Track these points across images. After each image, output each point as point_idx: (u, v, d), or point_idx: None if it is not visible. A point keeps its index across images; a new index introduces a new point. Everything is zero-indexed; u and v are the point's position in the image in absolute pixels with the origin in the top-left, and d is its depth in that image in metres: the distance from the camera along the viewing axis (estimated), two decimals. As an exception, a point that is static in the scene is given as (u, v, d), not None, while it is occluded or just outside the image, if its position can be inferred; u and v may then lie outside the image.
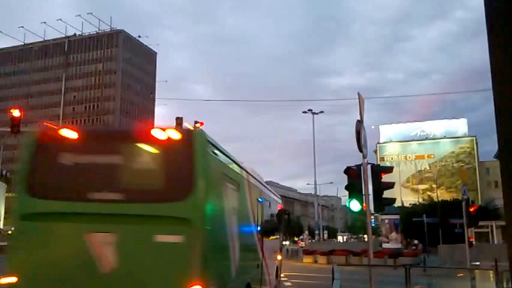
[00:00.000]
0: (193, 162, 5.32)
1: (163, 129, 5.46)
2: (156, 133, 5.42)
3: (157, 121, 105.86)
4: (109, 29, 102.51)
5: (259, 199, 9.27)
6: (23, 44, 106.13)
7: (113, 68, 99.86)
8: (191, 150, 5.37)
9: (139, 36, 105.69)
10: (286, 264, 29.40)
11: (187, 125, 8.42)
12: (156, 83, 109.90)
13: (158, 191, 5.41)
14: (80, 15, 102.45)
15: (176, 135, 5.46)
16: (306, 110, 46.41)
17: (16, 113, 17.82)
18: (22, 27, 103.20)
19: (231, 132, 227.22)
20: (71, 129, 5.71)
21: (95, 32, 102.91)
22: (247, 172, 8.21)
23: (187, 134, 5.59)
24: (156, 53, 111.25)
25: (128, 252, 5.15)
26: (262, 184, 10.43)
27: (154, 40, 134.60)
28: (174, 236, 5.07)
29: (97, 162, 5.64)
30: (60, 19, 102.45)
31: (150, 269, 5.09)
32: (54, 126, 6.10)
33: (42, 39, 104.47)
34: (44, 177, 5.66)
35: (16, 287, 5.19)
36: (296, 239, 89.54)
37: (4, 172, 78.22)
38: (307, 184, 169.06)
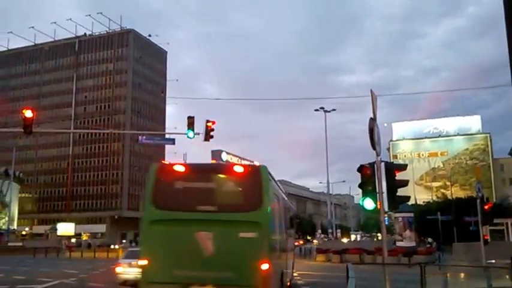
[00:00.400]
0: (260, 186, 8.62)
1: (242, 166, 8.99)
2: (237, 168, 8.87)
3: (168, 120, 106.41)
4: (119, 29, 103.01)
5: (285, 207, 12.40)
6: (33, 44, 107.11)
7: (124, 68, 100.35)
8: (259, 179, 8.68)
9: (149, 36, 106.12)
10: (300, 263, 29.29)
11: (254, 162, 10.61)
12: (167, 82, 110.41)
13: (239, 204, 8.67)
14: (90, 15, 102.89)
15: (249, 170, 8.92)
16: (318, 108, 46.14)
17: (28, 113, 17.95)
18: (32, 27, 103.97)
19: (241, 130, 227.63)
20: (181, 164, 9.09)
21: (105, 32, 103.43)
22: (281, 190, 11.90)
23: (257, 168, 8.95)
24: (166, 52, 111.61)
25: (222, 243, 8.19)
26: (286, 196, 13.91)
27: (164, 39, 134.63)
28: (250, 233, 8.21)
29: (199, 186, 8.94)
30: (70, 19, 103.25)
31: (236, 253, 8.15)
32: (168, 162, 9.47)
33: (52, 40, 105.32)
34: (164, 195, 8.75)
35: (146, 267, 8.43)
36: (309, 238, 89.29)
37: (17, 173, 79.21)
38: (320, 183, 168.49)
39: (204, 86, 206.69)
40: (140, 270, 8.71)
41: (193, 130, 20.08)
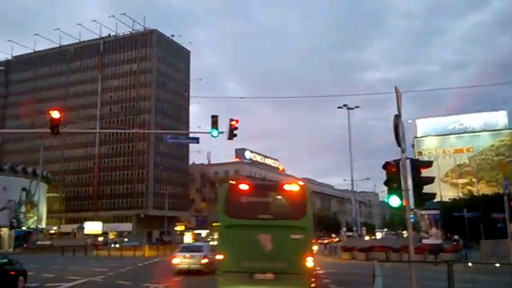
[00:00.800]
0: (304, 199, 11.57)
1: (290, 184, 11.77)
2: (286, 186, 11.72)
3: (192, 119, 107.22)
4: (142, 29, 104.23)
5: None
6: (59, 46, 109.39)
7: (148, 68, 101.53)
8: (303, 194, 11.67)
9: (172, 36, 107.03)
10: (325, 261, 29.20)
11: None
12: (190, 81, 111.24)
13: (289, 214, 11.59)
14: (113, 16, 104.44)
15: (296, 187, 11.70)
16: (341, 105, 45.69)
17: (55, 114, 18.32)
18: (58, 29, 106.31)
19: (264, 128, 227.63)
20: (245, 183, 12.15)
21: (128, 33, 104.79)
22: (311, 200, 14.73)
23: (302, 186, 11.84)
24: (189, 52, 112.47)
25: (277, 242, 11.03)
26: None
27: (187, 39, 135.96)
28: (298, 235, 11.07)
29: (259, 200, 11.91)
30: (95, 20, 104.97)
31: (288, 249, 11.04)
32: (235, 182, 12.42)
33: (77, 41, 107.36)
34: (233, 207, 11.64)
35: (222, 260, 11.33)
36: (334, 235, 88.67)
37: (45, 173, 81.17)
38: (344, 180, 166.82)
39: (227, 85, 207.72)
40: (218, 263, 11.75)
41: (217, 129, 20.18)
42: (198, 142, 24.59)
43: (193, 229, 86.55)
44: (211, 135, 20.26)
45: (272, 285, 11.12)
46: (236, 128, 20.28)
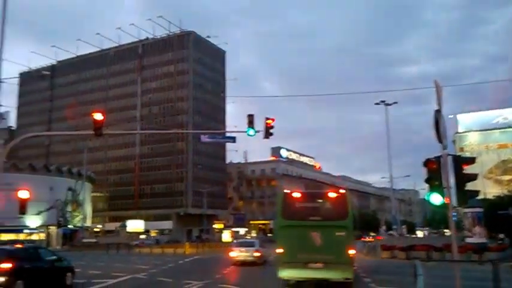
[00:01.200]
0: (347, 203, 14.35)
1: (334, 191, 14.75)
2: (330, 193, 14.67)
3: (228, 118, 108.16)
4: (179, 31, 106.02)
5: None
6: (100, 50, 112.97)
7: (185, 69, 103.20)
8: (345, 199, 14.44)
9: (208, 37, 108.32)
10: (364, 260, 28.82)
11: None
12: (226, 81, 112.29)
13: (334, 215, 14.20)
14: (150, 19, 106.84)
15: (338, 194, 14.56)
16: (379, 102, 44.83)
17: (98, 116, 18.90)
18: (99, 34, 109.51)
19: (300, 126, 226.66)
20: (298, 192, 15.07)
21: (166, 35, 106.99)
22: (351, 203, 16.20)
23: (344, 193, 14.68)
24: (225, 52, 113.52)
25: (325, 238, 13.79)
26: None
27: (223, 39, 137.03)
28: (342, 232, 13.86)
29: (309, 205, 14.70)
30: (133, 24, 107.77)
31: (334, 244, 13.77)
32: (290, 191, 15.29)
33: (117, 45, 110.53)
34: (288, 210, 14.52)
35: (282, 253, 14.13)
36: (373, 234, 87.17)
37: (89, 173, 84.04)
38: (382, 178, 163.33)
39: (263, 84, 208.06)
40: (277, 255, 14.69)
41: (253, 128, 20.24)
42: (234, 141, 24.74)
43: (232, 227, 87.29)
44: (248, 134, 20.34)
45: (322, 272, 13.91)
46: (272, 127, 20.28)
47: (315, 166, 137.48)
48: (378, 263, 28.25)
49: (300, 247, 14.01)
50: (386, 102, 44.84)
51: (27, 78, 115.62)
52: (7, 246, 16.68)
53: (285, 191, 15.37)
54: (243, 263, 24.60)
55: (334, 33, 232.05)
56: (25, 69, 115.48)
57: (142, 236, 79.23)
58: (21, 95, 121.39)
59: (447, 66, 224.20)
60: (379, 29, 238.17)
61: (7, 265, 13.08)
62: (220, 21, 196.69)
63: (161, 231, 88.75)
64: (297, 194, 14.92)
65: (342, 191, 14.92)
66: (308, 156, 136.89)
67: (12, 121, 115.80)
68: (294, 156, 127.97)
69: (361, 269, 21.00)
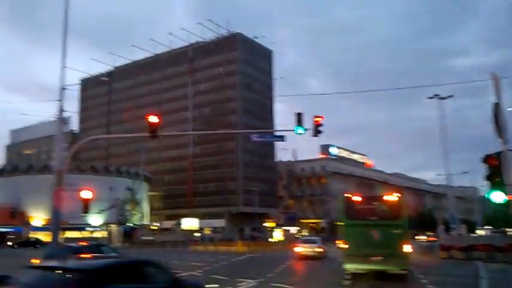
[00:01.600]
0: (401, 205, 17.24)
1: (390, 194, 17.31)
2: (386, 196, 17.32)
3: (277, 117, 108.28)
4: (227, 33, 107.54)
5: None
6: (153, 55, 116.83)
7: (233, 70, 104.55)
8: (400, 202, 17.22)
9: (255, 37, 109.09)
10: (421, 260, 27.92)
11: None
12: (274, 80, 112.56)
13: (390, 216, 16.88)
14: (200, 23, 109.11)
15: (394, 197, 17.12)
16: (432, 96, 43.22)
17: (153, 119, 19.65)
18: (152, 39, 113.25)
19: (350, 123, 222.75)
20: (358, 195, 17.90)
21: (214, 37, 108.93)
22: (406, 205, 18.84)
23: (399, 197, 17.20)
24: (272, 51, 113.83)
25: (383, 236, 16.40)
26: None
27: (269, 39, 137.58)
28: (397, 230, 16.59)
29: (369, 207, 17.40)
30: (184, 29, 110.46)
31: (391, 240, 16.28)
32: (351, 195, 18.01)
33: (169, 49, 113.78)
34: (350, 211, 17.21)
35: (346, 248, 16.93)
36: (430, 233, 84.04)
37: (146, 173, 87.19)
38: (438, 175, 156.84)
39: (311, 82, 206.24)
40: (342, 250, 17.34)
41: (301, 126, 20.20)
42: (283, 140, 24.64)
43: (283, 226, 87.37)
44: (296, 133, 20.32)
45: (381, 264, 16.38)
46: (321, 125, 20.12)
47: (367, 164, 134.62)
48: (435, 263, 27.30)
49: (362, 243, 16.47)
50: (440, 96, 43.15)
51: (88, 85, 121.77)
52: (73, 244, 17.76)
53: (346, 195, 18.01)
54: (306, 257, 28.55)
55: (383, 28, 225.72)
56: (85, 75, 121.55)
57: (197, 234, 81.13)
58: (83, 100, 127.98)
59: (505, 56, 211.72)
60: (430, 20, 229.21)
61: (73, 261, 13.91)
62: (267, 20, 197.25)
63: (214, 229, 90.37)
64: (356, 198, 17.63)
65: (397, 194, 17.40)
66: (359, 154, 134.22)
67: (74, 125, 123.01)
68: (344, 153, 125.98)
69: (418, 270, 20.40)
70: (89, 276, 6.47)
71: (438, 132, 44.19)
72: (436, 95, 43.12)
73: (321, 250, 29.73)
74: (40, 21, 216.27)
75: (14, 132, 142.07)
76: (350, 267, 17.01)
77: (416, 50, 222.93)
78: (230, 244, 49.01)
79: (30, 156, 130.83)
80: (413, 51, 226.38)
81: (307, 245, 30.02)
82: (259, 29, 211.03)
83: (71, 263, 7.67)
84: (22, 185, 72.14)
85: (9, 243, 53.55)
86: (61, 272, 6.90)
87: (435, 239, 55.10)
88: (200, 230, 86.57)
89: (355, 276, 16.96)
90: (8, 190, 72.12)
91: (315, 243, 30.77)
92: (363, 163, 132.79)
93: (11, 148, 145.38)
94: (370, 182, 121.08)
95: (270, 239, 71.66)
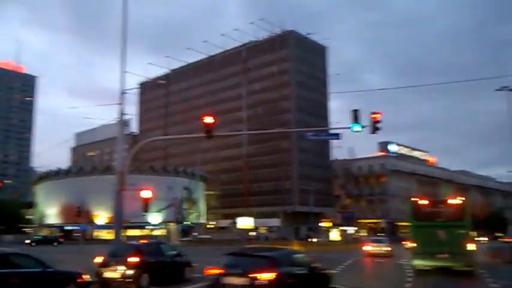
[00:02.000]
0: (465, 208, 19.34)
1: (454, 198, 19.72)
2: (451, 200, 19.69)
3: (332, 114, 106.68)
4: (280, 31, 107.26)
5: None
6: (207, 56, 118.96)
7: (287, 68, 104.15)
8: (464, 205, 19.31)
9: (309, 34, 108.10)
10: (489, 263, 26.28)
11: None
12: (329, 77, 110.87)
13: (455, 217, 18.87)
14: (253, 23, 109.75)
15: (459, 201, 19.35)
16: (500, 87, 40.50)
17: (209, 119, 19.86)
18: (206, 41, 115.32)
19: (411, 119, 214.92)
20: (425, 199, 20.46)
21: (267, 36, 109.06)
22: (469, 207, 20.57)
23: (463, 200, 19.47)
24: (326, 48, 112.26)
25: (449, 235, 18.40)
26: None
27: (324, 35, 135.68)
28: (462, 231, 18.81)
29: (435, 210, 19.52)
30: (237, 29, 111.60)
31: (456, 239, 18.36)
32: (418, 198, 20.52)
33: (222, 50, 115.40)
34: (418, 214, 19.38)
35: (415, 247, 18.99)
36: (500, 234, 79.22)
37: (202, 173, 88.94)
38: (509, 172, 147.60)
39: (368, 77, 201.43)
40: (411, 249, 19.33)
41: (358, 123, 19.58)
42: (339, 138, 23.89)
43: (339, 226, 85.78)
44: (352, 130, 19.71)
45: (447, 261, 18.19)
46: (379, 121, 19.39)
47: (429, 161, 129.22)
48: (507, 266, 25.58)
49: (429, 242, 18.31)
50: (510, 87, 40.35)
51: (146, 88, 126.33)
52: (134, 242, 18.31)
53: (413, 199, 20.25)
54: (375, 255, 31.08)
55: (443, 19, 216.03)
56: (143, 79, 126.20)
57: (252, 233, 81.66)
58: (141, 103, 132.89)
59: None
60: (495, 8, 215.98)
61: (135, 259, 14.30)
62: (322, 17, 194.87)
63: (269, 229, 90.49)
64: (423, 201, 19.87)
65: (461, 198, 19.54)
66: (420, 150, 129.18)
67: (134, 127, 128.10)
68: (404, 150, 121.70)
69: (488, 273, 19.19)
70: None
71: (508, 127, 41.44)
72: (505, 87, 40.36)
73: (389, 249, 32.32)
74: (100, 29, 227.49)
75: (78, 135, 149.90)
76: (418, 263, 18.88)
77: (481, 40, 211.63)
78: (286, 243, 48.68)
79: (93, 157, 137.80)
80: (477, 41, 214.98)
81: (375, 244, 33.09)
82: (314, 25, 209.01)
83: None
84: (87, 185, 75.99)
85: (27, 241, 55.65)
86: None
87: (510, 239, 51.72)
88: (255, 229, 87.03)
89: (421, 272, 18.69)
90: (74, 190, 76.23)
91: (383, 242, 33.65)
92: (425, 160, 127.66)
93: (75, 150, 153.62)
94: (433, 181, 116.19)
95: (326, 239, 70.43)
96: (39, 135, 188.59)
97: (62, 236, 66.22)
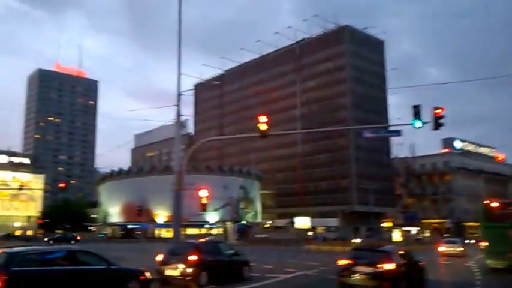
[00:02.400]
0: None
1: (496, 201, 21.52)
2: (492, 203, 20.98)
3: (391, 111, 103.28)
4: (334, 27, 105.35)
5: None
6: (261, 56, 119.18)
7: (342, 64, 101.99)
8: None
9: (365, 28, 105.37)
10: None
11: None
12: (387, 72, 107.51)
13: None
14: (306, 19, 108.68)
15: (497, 203, 20.95)
16: None
17: (263, 119, 19.86)
18: (259, 41, 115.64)
19: (476, 113, 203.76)
20: (496, 201, 21.38)
21: (321, 33, 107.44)
22: None
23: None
24: (383, 42, 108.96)
25: None
26: None
27: (381, 28, 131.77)
28: None
29: (505, 211, 20.47)
30: (290, 27, 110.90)
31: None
32: (490, 201, 21.61)
33: (276, 49, 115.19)
34: (490, 215, 20.36)
35: (487, 246, 20.50)
36: None
37: (257, 172, 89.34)
38: None
39: (428, 71, 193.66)
40: (484, 247, 20.88)
41: (420, 119, 18.68)
42: (399, 135, 22.91)
43: (402, 226, 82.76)
44: (414, 127, 18.83)
45: None
46: (442, 117, 18.45)
47: (497, 157, 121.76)
48: None
49: (500, 242, 18.94)
50: None
51: (201, 89, 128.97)
52: (193, 240, 18.60)
53: (485, 201, 21.24)
54: (449, 255, 32.73)
55: (503, 7, 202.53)
56: (198, 80, 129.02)
57: (310, 233, 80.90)
58: (197, 104, 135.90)
59: None
60: None
61: (194, 257, 14.49)
62: (377, 10, 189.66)
63: (328, 229, 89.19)
64: (494, 204, 20.73)
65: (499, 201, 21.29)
66: (488, 147, 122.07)
67: (190, 128, 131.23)
68: (470, 147, 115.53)
69: None
70: None
71: None
72: None
73: (462, 249, 34.13)
74: (155, 31, 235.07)
75: (138, 137, 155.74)
76: (491, 262, 20.02)
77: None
78: (346, 244, 47.74)
79: (152, 158, 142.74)
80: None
81: (449, 245, 35.18)
82: (369, 20, 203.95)
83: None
84: (146, 184, 78.71)
85: (46, 238, 57.87)
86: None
87: None
88: (312, 228, 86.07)
89: (494, 269, 19.78)
90: (135, 190, 79.23)
91: (456, 243, 35.64)
92: (492, 157, 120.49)
93: (135, 151, 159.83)
94: (502, 178, 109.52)
95: (393, 240, 67.99)
96: (101, 137, 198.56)
97: (123, 235, 68.97)
